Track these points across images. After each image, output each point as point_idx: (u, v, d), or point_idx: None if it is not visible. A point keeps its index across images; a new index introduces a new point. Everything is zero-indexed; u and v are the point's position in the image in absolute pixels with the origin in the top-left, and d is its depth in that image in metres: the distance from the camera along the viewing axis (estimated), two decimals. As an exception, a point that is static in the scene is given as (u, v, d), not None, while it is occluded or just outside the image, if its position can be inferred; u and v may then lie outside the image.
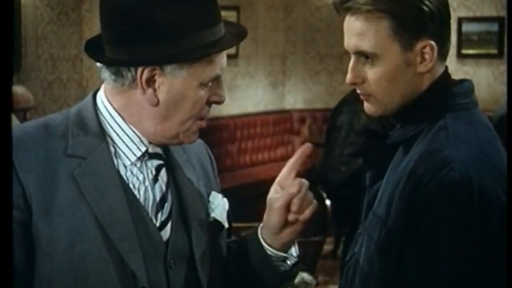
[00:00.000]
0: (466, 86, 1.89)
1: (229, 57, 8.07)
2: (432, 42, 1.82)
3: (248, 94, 9.57)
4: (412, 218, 1.75)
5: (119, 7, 1.73)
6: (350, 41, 1.86)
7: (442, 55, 1.87)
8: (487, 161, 1.77)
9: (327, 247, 6.83)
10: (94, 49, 1.82)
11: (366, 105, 1.90)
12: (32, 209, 1.70)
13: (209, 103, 1.80)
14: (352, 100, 5.72)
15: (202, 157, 2.00)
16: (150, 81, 1.74)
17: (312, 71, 10.05)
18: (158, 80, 1.74)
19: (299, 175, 1.89)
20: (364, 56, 1.84)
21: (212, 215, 1.90)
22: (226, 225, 1.92)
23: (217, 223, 1.90)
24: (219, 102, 1.82)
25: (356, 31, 1.84)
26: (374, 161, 1.96)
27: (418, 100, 1.86)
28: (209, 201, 1.92)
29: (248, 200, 8.45)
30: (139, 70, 1.73)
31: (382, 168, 1.90)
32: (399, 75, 1.84)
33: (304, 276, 5.21)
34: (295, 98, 10.09)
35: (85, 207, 1.72)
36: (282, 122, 9.85)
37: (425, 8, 1.80)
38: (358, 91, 1.89)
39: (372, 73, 1.84)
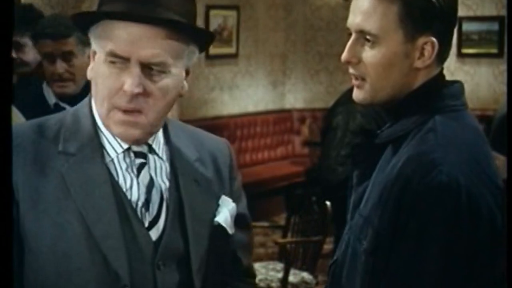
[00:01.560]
0: (456, 87, 1.88)
1: (229, 56, 8.04)
2: (434, 40, 1.82)
3: (248, 93, 9.57)
4: (400, 220, 1.74)
5: None
6: (354, 19, 1.85)
7: (441, 57, 1.86)
8: (475, 164, 1.77)
9: (327, 247, 6.81)
10: None
11: (355, 92, 1.89)
12: (19, 204, 1.70)
13: (123, 90, 1.69)
14: (346, 101, 5.70)
15: (219, 158, 1.93)
16: (93, 54, 1.76)
17: (312, 71, 10.05)
18: (95, 55, 1.75)
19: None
20: (364, 37, 1.83)
21: (216, 219, 1.85)
22: (231, 231, 1.87)
23: (220, 228, 1.85)
24: (125, 91, 1.68)
25: (363, 9, 1.83)
26: (362, 160, 1.94)
27: (408, 97, 1.85)
28: (218, 205, 1.88)
29: (248, 200, 8.46)
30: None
31: (369, 168, 1.89)
32: (396, 64, 1.83)
33: (304, 275, 5.22)
34: (295, 98, 10.09)
35: (70, 203, 1.71)
36: (282, 121, 9.84)
37: (436, 3, 1.80)
38: (350, 71, 1.88)
39: (369, 55, 1.83)
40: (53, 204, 1.71)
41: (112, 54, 1.68)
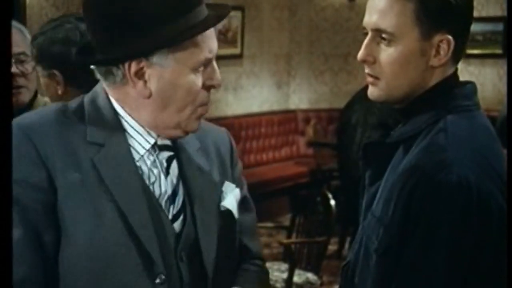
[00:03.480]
0: (468, 88, 1.89)
1: (234, 57, 8.04)
2: (450, 37, 1.82)
3: (252, 94, 9.57)
4: (410, 220, 1.74)
5: (100, 5, 1.72)
6: (371, 18, 1.85)
7: (456, 56, 1.87)
8: (485, 163, 1.77)
9: (332, 247, 6.83)
10: (85, 52, 1.82)
11: (370, 89, 1.89)
12: (57, 191, 1.72)
13: (205, 88, 1.79)
14: (360, 99, 5.76)
15: (220, 145, 1.99)
16: (139, 74, 1.73)
17: (317, 71, 10.05)
18: (148, 71, 1.73)
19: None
20: (380, 35, 1.84)
21: (222, 204, 1.90)
22: (237, 215, 1.91)
23: (227, 212, 1.89)
24: (215, 86, 1.81)
25: (379, 8, 1.83)
26: (374, 160, 1.94)
27: (421, 97, 1.86)
28: (222, 191, 1.92)
29: (253, 200, 8.45)
30: (127, 65, 1.73)
31: (381, 168, 1.89)
32: (412, 62, 1.83)
33: (309, 276, 5.22)
34: (300, 98, 10.09)
35: (105, 193, 1.73)
36: (287, 122, 9.85)
37: (452, 0, 1.80)
38: (366, 70, 1.88)
39: (386, 54, 1.84)
40: (89, 192, 1.73)
41: (206, 60, 1.77)
